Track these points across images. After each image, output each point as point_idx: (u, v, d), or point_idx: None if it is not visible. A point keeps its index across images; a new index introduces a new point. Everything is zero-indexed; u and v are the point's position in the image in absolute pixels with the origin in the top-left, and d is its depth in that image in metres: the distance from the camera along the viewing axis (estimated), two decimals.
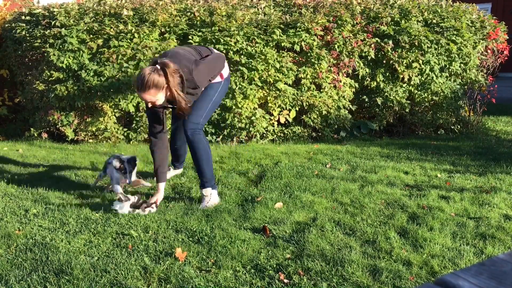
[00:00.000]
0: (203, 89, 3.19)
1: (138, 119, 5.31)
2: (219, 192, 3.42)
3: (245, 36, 5.33)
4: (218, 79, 3.26)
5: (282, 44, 5.45)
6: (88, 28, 5.28)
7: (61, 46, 5.21)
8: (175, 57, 3.02)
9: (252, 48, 5.32)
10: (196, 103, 3.19)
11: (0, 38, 6.08)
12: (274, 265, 2.32)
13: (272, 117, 5.49)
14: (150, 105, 3.02)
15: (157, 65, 2.89)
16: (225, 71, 3.34)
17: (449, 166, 4.33)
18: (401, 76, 5.74)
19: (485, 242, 2.62)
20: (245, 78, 5.31)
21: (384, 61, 5.75)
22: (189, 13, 5.52)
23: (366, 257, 2.42)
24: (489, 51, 6.24)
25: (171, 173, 3.86)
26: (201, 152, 3.19)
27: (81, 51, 5.21)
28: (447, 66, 5.90)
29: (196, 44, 5.27)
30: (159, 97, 2.92)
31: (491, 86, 6.24)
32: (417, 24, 5.81)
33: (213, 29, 5.28)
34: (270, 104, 5.41)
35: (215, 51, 3.41)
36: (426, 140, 5.65)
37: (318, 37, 5.56)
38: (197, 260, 2.37)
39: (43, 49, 5.35)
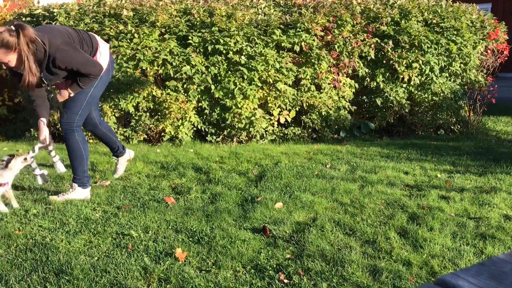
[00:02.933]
0: (63, 75, 3.06)
1: (137, 118, 5.31)
2: (219, 192, 3.42)
3: (245, 37, 5.33)
4: None
5: (282, 45, 5.45)
6: (88, 28, 5.27)
7: None
8: (49, 30, 2.96)
9: (252, 49, 5.32)
10: (72, 99, 3.17)
11: None
12: (274, 265, 2.32)
13: (272, 118, 5.49)
14: (5, 67, 2.99)
15: (12, 26, 2.79)
16: (103, 62, 3.20)
17: (449, 166, 4.33)
18: (401, 76, 5.74)
19: (485, 242, 2.62)
20: (245, 78, 5.31)
21: (384, 61, 5.75)
22: (189, 14, 5.52)
23: (366, 257, 2.42)
24: (489, 51, 6.25)
25: (119, 164, 3.81)
26: (73, 151, 3.29)
27: None
28: (447, 66, 5.90)
29: (196, 44, 5.27)
30: (11, 59, 2.81)
31: (491, 86, 6.24)
32: (417, 24, 5.81)
33: (213, 29, 5.28)
34: (270, 105, 5.41)
35: (104, 52, 3.25)
36: (426, 140, 5.65)
37: (318, 37, 5.56)
38: (197, 260, 2.37)
39: None
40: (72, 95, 3.16)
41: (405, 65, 5.70)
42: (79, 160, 3.31)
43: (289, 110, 5.51)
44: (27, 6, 5.96)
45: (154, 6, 5.47)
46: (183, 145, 5.20)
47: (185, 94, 5.34)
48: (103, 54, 3.25)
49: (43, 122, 3.17)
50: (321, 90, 5.59)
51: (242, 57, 5.30)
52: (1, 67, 2.97)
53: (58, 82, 3.15)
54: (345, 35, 5.60)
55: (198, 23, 5.42)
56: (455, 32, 5.87)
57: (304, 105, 5.48)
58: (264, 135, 5.52)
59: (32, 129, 5.56)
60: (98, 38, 3.31)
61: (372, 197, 3.38)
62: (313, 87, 5.56)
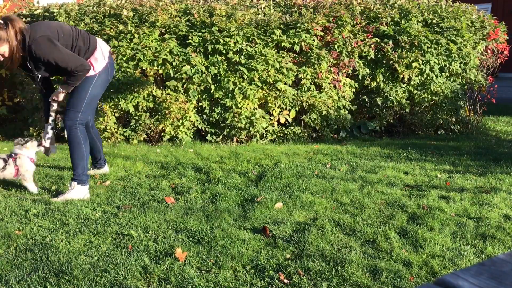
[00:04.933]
0: (49, 68, 3.23)
1: (137, 118, 5.31)
2: (219, 192, 3.42)
3: (245, 37, 5.33)
4: (91, 72, 3.33)
5: (282, 45, 5.45)
6: (88, 28, 5.27)
7: None
8: (38, 24, 3.18)
9: (252, 49, 5.33)
10: (73, 98, 3.35)
11: None
12: (274, 265, 2.32)
13: (272, 117, 5.49)
14: (1, 58, 3.14)
15: (1, 20, 3.05)
16: (99, 65, 3.37)
17: (449, 166, 4.33)
18: (401, 76, 5.75)
19: (485, 242, 2.62)
20: (245, 78, 5.31)
21: (384, 61, 5.75)
22: (189, 14, 5.52)
23: (366, 257, 2.42)
24: (489, 51, 6.25)
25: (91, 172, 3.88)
26: (75, 147, 3.36)
27: None
28: (447, 66, 5.91)
29: (196, 43, 5.27)
30: (4, 49, 3.05)
31: (491, 86, 6.24)
32: (417, 24, 5.82)
33: (213, 29, 5.28)
34: (270, 104, 5.41)
35: (103, 51, 3.42)
36: (426, 140, 5.65)
37: (318, 37, 5.57)
38: (197, 260, 2.37)
39: None
40: (63, 92, 3.31)
41: (405, 65, 5.71)
42: (80, 158, 3.37)
43: (289, 110, 5.51)
44: (27, 6, 5.96)
45: (154, 6, 5.47)
46: (183, 145, 5.20)
47: (185, 94, 5.34)
48: (101, 55, 3.38)
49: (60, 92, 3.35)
50: (321, 90, 5.60)
51: (242, 57, 5.30)
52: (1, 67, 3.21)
53: (46, 74, 3.33)
54: (345, 35, 5.60)
55: (198, 23, 5.42)
56: (455, 32, 5.87)
57: (304, 104, 5.49)
58: (264, 135, 5.52)
59: (31, 128, 5.57)
60: (98, 39, 3.46)
61: (372, 197, 3.38)
62: (313, 87, 5.56)
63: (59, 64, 3.13)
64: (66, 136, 3.39)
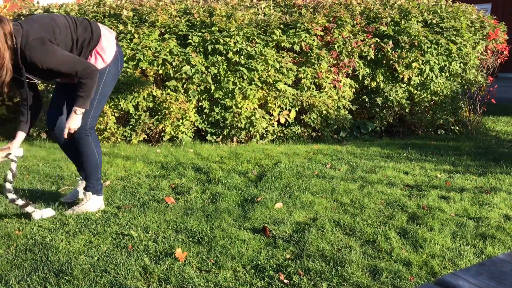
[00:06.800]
0: (48, 75, 2.74)
1: (137, 117, 5.31)
2: (219, 192, 3.42)
3: (244, 37, 5.33)
4: (101, 64, 2.86)
5: (282, 45, 5.45)
6: None
7: None
8: (31, 23, 2.64)
9: (252, 49, 5.33)
10: None
11: None
12: (274, 265, 2.32)
13: (272, 117, 5.49)
14: None
15: None
16: (108, 55, 2.89)
17: (449, 166, 4.33)
18: (401, 76, 5.75)
19: (485, 242, 2.62)
20: (245, 78, 5.31)
21: (384, 61, 5.75)
22: (189, 14, 5.52)
23: (366, 257, 2.42)
24: (488, 51, 6.25)
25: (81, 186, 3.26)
26: (88, 157, 2.97)
27: None
28: (447, 66, 5.91)
29: (196, 43, 5.27)
30: None
31: (491, 86, 6.24)
32: (417, 24, 5.82)
33: (212, 29, 5.29)
34: (270, 104, 5.42)
35: (108, 40, 2.88)
36: (426, 140, 5.65)
37: (318, 37, 5.57)
38: (197, 260, 2.37)
39: None
40: (80, 111, 2.78)
41: (405, 65, 5.71)
42: (94, 167, 3.01)
43: (289, 110, 5.51)
44: (27, 7, 5.96)
45: (154, 6, 5.47)
46: (183, 145, 5.20)
47: (185, 94, 5.34)
48: (106, 42, 2.90)
49: (19, 135, 2.82)
50: (321, 90, 5.60)
51: (242, 57, 5.30)
52: None
53: (39, 81, 2.84)
54: (345, 35, 5.60)
55: (198, 23, 5.42)
56: (454, 32, 5.87)
57: (304, 104, 5.49)
58: (264, 135, 5.52)
59: (31, 129, 5.57)
60: (101, 25, 2.95)
61: (372, 197, 3.39)
62: (313, 87, 5.56)
63: (61, 70, 2.66)
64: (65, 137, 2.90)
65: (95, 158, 3.00)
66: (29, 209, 2.85)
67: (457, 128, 6.18)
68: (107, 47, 2.89)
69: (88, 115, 2.89)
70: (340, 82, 5.63)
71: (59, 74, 2.73)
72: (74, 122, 2.79)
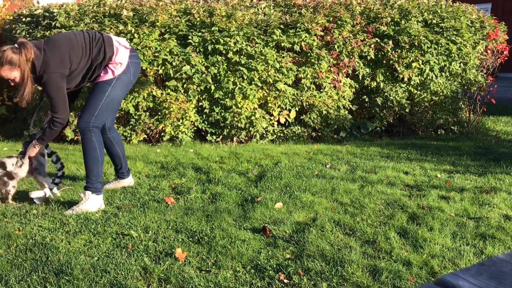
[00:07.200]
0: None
1: (136, 117, 5.31)
2: (219, 192, 3.42)
3: (245, 37, 5.33)
4: (109, 75, 3.12)
5: (282, 44, 5.45)
6: (88, 28, 5.27)
7: None
8: (53, 49, 2.96)
9: (252, 49, 5.33)
10: (90, 99, 3.13)
11: (0, 39, 6.09)
12: (274, 265, 2.32)
13: (272, 117, 5.49)
14: (12, 84, 3.00)
15: (16, 44, 2.91)
16: (119, 69, 3.14)
17: (449, 166, 4.33)
18: (401, 76, 5.75)
19: (485, 242, 2.62)
20: (245, 78, 5.31)
21: (384, 61, 5.75)
22: (189, 14, 5.52)
23: (366, 257, 2.42)
24: (489, 51, 6.25)
25: (111, 184, 3.58)
26: (89, 152, 3.11)
27: None
28: (447, 66, 5.91)
29: (196, 43, 5.27)
30: (16, 75, 2.91)
31: (491, 86, 6.24)
32: (417, 24, 5.82)
33: (212, 29, 5.28)
34: (270, 104, 5.42)
35: (122, 56, 3.16)
36: (426, 140, 5.65)
37: (318, 37, 5.57)
38: (197, 260, 2.37)
39: None
40: (37, 146, 3.19)
41: (405, 65, 5.71)
42: (94, 162, 3.11)
43: (289, 110, 5.51)
44: (27, 6, 5.96)
45: (154, 6, 5.47)
46: (183, 145, 5.20)
47: (185, 94, 5.34)
48: (120, 59, 3.15)
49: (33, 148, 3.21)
50: (321, 90, 5.60)
51: (242, 57, 5.30)
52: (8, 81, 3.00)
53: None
54: (345, 35, 5.61)
55: (198, 23, 5.42)
56: (454, 32, 5.87)
57: (304, 104, 5.49)
58: (264, 135, 5.52)
59: (31, 129, 5.56)
60: (115, 39, 3.20)
61: (372, 197, 3.39)
62: (313, 87, 5.57)
63: (51, 101, 3.00)
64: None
65: (97, 154, 3.11)
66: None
67: (457, 128, 6.18)
68: (118, 63, 3.14)
69: (92, 114, 3.09)
70: (340, 82, 5.63)
71: (48, 96, 3.07)
72: (32, 151, 3.20)
